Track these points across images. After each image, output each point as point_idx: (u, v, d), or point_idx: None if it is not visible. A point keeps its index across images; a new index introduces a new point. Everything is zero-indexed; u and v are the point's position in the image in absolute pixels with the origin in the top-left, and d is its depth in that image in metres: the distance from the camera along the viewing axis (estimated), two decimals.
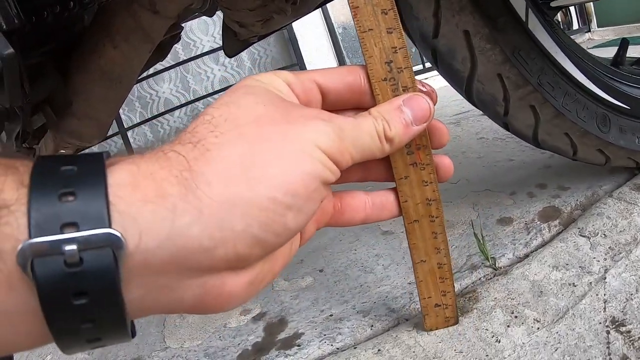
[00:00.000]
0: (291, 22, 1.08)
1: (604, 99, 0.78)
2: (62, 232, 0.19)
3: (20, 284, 0.19)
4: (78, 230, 0.20)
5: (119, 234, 0.20)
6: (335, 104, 0.34)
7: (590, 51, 0.87)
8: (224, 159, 0.23)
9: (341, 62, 2.58)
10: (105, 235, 0.20)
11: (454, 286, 0.53)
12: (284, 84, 0.30)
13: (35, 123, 0.81)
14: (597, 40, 3.00)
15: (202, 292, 0.24)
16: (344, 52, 2.52)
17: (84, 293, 0.20)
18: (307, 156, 0.25)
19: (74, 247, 0.19)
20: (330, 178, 0.27)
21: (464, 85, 0.73)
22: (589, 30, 3.15)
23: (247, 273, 0.25)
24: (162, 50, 0.91)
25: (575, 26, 3.16)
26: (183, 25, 0.94)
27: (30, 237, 0.19)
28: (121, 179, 0.22)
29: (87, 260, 0.19)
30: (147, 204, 0.21)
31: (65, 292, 0.19)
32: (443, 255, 0.48)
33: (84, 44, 0.76)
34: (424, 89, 0.36)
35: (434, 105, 0.36)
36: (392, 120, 0.31)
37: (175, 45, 1.08)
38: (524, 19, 0.71)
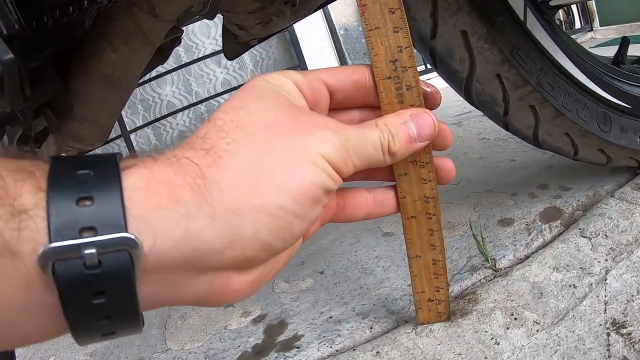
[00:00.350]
0: (291, 24, 1.09)
1: (604, 98, 0.78)
2: (80, 236, 0.20)
3: (39, 283, 0.20)
4: (96, 234, 0.20)
5: (135, 238, 0.21)
6: (342, 103, 0.34)
7: (592, 50, 0.87)
8: (235, 167, 0.24)
9: (343, 63, 2.58)
10: (123, 239, 0.21)
11: (447, 283, 0.53)
12: (292, 85, 0.30)
13: (37, 127, 0.82)
14: (600, 39, 2.99)
15: (208, 288, 0.25)
16: (345, 53, 2.52)
17: (102, 293, 0.21)
18: (313, 166, 0.26)
19: (93, 250, 0.20)
20: (333, 187, 0.28)
21: (463, 86, 0.72)
22: (592, 29, 3.13)
23: (251, 272, 0.26)
24: (162, 54, 0.91)
25: (578, 25, 3.14)
26: (183, 28, 0.94)
27: (50, 241, 0.20)
28: (135, 183, 0.22)
29: (105, 263, 0.21)
30: (161, 209, 0.22)
31: (85, 292, 0.21)
32: (438, 252, 0.48)
33: (84, 47, 0.77)
34: (428, 89, 0.37)
35: (439, 104, 0.37)
36: (397, 135, 0.32)
37: (177, 48, 1.09)
38: (522, 18, 0.71)
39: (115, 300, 0.21)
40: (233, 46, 0.99)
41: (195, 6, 0.79)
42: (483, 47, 0.67)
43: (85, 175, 0.22)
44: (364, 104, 0.36)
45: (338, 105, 0.34)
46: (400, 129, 0.32)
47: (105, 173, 0.22)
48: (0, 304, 0.20)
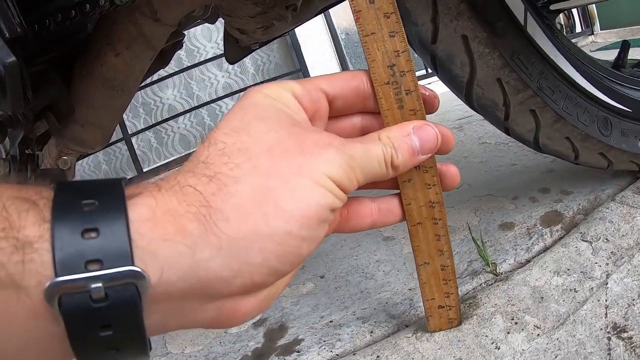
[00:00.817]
0: (293, 29, 1.09)
1: (605, 102, 0.78)
2: (86, 269, 0.20)
3: (45, 315, 0.20)
4: (102, 267, 0.20)
5: (142, 271, 0.21)
6: (341, 110, 0.34)
7: (593, 54, 0.87)
8: (240, 194, 0.24)
9: (344, 67, 2.58)
10: (129, 272, 0.21)
11: (457, 288, 0.52)
12: (291, 97, 0.30)
13: (39, 129, 0.82)
14: (601, 43, 2.99)
15: (217, 314, 0.25)
16: (346, 57, 2.53)
17: (109, 325, 0.21)
18: (319, 187, 0.26)
19: (99, 284, 0.20)
20: (339, 205, 0.28)
21: (464, 90, 0.73)
22: (592, 33, 3.14)
23: (259, 294, 0.26)
24: (164, 58, 0.92)
25: (578, 29, 3.15)
26: (185, 32, 0.95)
27: (56, 275, 0.20)
28: (141, 214, 0.22)
29: (112, 296, 0.20)
30: (167, 241, 0.22)
31: (92, 325, 0.21)
32: (446, 257, 0.48)
33: (86, 51, 0.77)
34: (426, 93, 0.37)
35: (437, 109, 0.37)
36: (400, 148, 0.31)
37: (179, 51, 1.09)
38: (522, 23, 0.71)
39: (122, 332, 0.21)
40: (234, 50, 0.99)
41: (197, 10, 0.80)
42: (484, 51, 0.67)
43: (90, 206, 0.21)
44: (363, 110, 0.35)
45: (337, 112, 0.34)
46: (403, 141, 0.32)
47: (111, 203, 0.22)
48: (8, 334, 0.20)
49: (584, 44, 3.06)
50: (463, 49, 0.68)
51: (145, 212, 0.22)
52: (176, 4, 0.71)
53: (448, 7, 0.66)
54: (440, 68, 0.72)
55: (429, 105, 0.37)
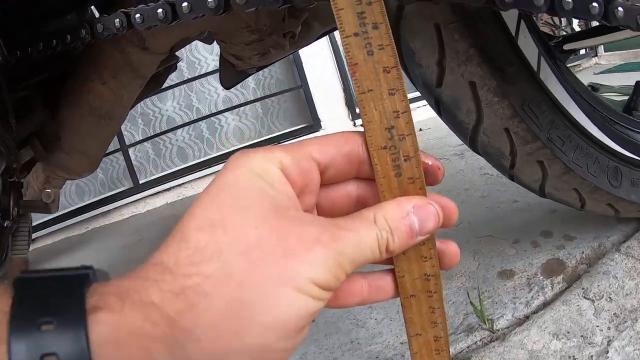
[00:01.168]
0: (292, 53, 1.05)
1: (616, 151, 0.74)
2: None
3: None
4: None
5: None
6: (334, 179, 0.31)
7: (596, 77, 0.84)
8: (210, 311, 0.22)
9: (346, 84, 2.54)
10: None
11: (449, 356, 0.50)
12: (278, 173, 0.27)
13: (23, 157, 0.78)
14: (604, 65, 2.96)
15: None
16: (348, 74, 2.50)
17: None
18: (301, 295, 0.24)
19: None
20: (322, 306, 0.26)
21: (469, 137, 0.69)
22: (596, 55, 3.10)
23: None
24: (156, 82, 0.88)
25: (582, 51, 3.11)
26: (178, 54, 0.91)
27: None
28: (103, 334, 0.21)
29: None
30: None
31: None
32: (440, 329, 0.45)
33: (72, 78, 0.74)
34: (429, 162, 0.33)
35: (440, 181, 0.33)
36: (397, 230, 0.29)
37: (180, 63, 1.05)
38: (535, 68, 0.67)
39: None
40: (230, 75, 0.95)
41: (190, 34, 0.76)
42: (492, 100, 0.63)
43: (48, 324, 0.21)
44: (358, 175, 0.33)
45: (330, 181, 0.31)
46: (402, 223, 0.29)
47: (69, 323, 0.21)
48: None
49: (588, 65, 3.03)
50: (470, 96, 0.64)
51: (108, 332, 0.21)
52: (165, 33, 0.67)
53: (456, 51, 0.62)
54: (444, 112, 0.68)
55: (432, 177, 0.33)
